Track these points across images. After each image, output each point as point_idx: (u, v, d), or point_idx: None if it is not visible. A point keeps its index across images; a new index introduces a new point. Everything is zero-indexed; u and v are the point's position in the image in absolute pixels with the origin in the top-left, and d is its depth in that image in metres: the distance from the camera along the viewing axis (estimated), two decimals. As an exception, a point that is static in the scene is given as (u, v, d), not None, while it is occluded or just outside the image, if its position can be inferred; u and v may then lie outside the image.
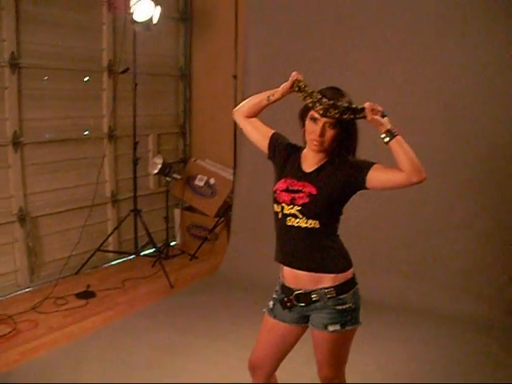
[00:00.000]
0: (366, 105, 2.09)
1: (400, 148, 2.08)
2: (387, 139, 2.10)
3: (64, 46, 4.87)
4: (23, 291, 4.71)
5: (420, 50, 4.52)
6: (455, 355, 3.79)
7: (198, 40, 6.17)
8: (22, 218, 4.68)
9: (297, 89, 2.24)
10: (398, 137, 2.09)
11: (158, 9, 4.82)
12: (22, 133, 4.61)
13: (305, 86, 2.21)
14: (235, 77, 5.50)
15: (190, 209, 6.15)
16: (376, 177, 2.15)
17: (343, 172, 2.21)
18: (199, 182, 5.96)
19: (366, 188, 2.19)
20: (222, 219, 5.78)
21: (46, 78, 4.77)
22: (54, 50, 4.80)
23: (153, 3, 4.74)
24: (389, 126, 2.09)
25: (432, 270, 4.59)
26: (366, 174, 2.16)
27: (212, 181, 5.91)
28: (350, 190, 2.23)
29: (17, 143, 4.56)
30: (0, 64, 4.38)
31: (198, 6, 6.09)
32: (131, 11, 4.66)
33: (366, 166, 2.18)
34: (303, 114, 2.25)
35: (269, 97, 2.38)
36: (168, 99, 6.20)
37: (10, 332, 3.90)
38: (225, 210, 5.80)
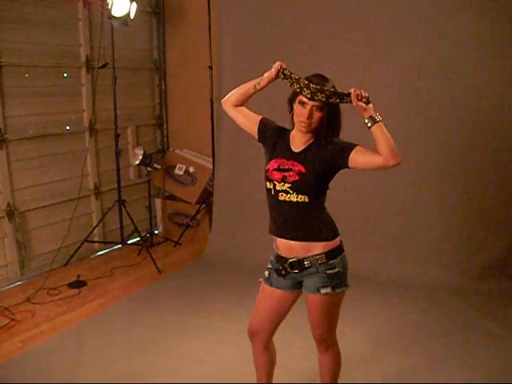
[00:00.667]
0: (352, 90, 2.31)
1: (381, 133, 2.31)
2: (370, 124, 2.33)
3: (42, 43, 4.99)
4: (14, 284, 4.84)
5: (399, 40, 4.73)
6: (435, 318, 4.08)
7: (171, 33, 6.32)
8: (11, 212, 4.79)
9: (282, 76, 2.45)
10: (379, 123, 2.32)
11: (134, 4, 4.96)
12: (7, 130, 4.72)
13: (291, 73, 2.42)
14: (211, 67, 5.65)
15: (171, 197, 6.32)
16: (357, 158, 2.37)
17: (328, 152, 2.43)
18: (179, 170, 6.13)
19: (348, 167, 2.42)
20: (203, 206, 5.96)
21: (27, 75, 4.89)
22: (33, 47, 4.91)
23: (128, -2, 4.88)
24: (372, 113, 2.32)
25: (406, 243, 4.86)
26: (348, 155, 2.38)
27: (191, 169, 6.09)
28: (334, 168, 2.46)
29: (2, 140, 4.67)
30: (-18, 64, 4.50)
31: (169, -1, 6.24)
32: (109, 7, 4.78)
33: (349, 147, 2.40)
34: (292, 98, 2.46)
35: (255, 86, 2.58)
36: (144, 92, 6.35)
37: (9, 322, 4.05)
38: (205, 197, 5.99)
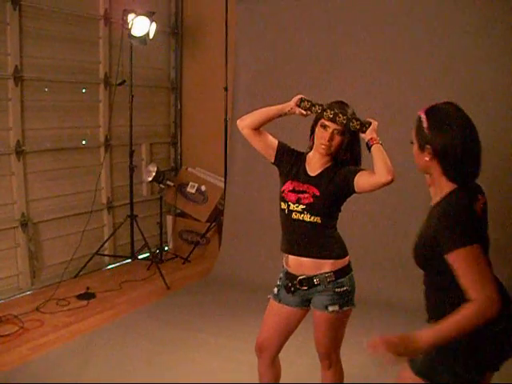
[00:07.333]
0: (375, 123, 2.43)
1: (378, 152, 2.41)
2: (370, 144, 2.45)
3: (63, 59, 5.13)
4: (25, 294, 4.90)
5: (415, 53, 4.80)
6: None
7: (188, 53, 6.45)
8: (24, 223, 4.87)
9: (301, 105, 2.54)
10: (379, 144, 2.42)
11: (154, 25, 5.08)
12: (25, 142, 4.83)
13: (311, 101, 2.51)
14: (226, 89, 5.76)
15: (182, 215, 6.40)
16: (358, 181, 2.46)
17: (340, 178, 2.52)
18: (191, 188, 6.21)
19: (356, 192, 2.50)
20: (214, 224, 6.03)
21: (47, 89, 5.01)
22: (54, 63, 5.05)
23: (148, 19, 5.00)
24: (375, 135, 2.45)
25: (404, 268, 4.84)
26: (353, 180, 2.47)
27: (203, 188, 6.17)
28: (345, 193, 2.55)
29: (19, 152, 4.77)
30: (4, 77, 4.62)
31: (188, 20, 6.38)
32: (129, 26, 4.90)
33: (354, 172, 2.49)
34: (314, 123, 2.56)
35: (275, 113, 2.65)
36: (160, 110, 6.46)
37: (18, 330, 4.11)
38: (216, 216, 6.05)
